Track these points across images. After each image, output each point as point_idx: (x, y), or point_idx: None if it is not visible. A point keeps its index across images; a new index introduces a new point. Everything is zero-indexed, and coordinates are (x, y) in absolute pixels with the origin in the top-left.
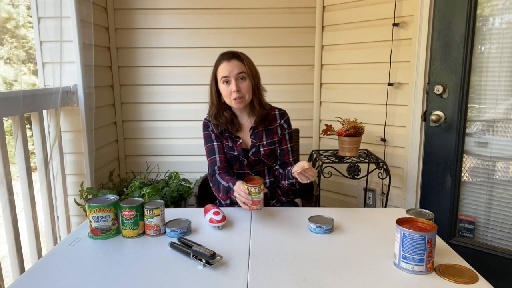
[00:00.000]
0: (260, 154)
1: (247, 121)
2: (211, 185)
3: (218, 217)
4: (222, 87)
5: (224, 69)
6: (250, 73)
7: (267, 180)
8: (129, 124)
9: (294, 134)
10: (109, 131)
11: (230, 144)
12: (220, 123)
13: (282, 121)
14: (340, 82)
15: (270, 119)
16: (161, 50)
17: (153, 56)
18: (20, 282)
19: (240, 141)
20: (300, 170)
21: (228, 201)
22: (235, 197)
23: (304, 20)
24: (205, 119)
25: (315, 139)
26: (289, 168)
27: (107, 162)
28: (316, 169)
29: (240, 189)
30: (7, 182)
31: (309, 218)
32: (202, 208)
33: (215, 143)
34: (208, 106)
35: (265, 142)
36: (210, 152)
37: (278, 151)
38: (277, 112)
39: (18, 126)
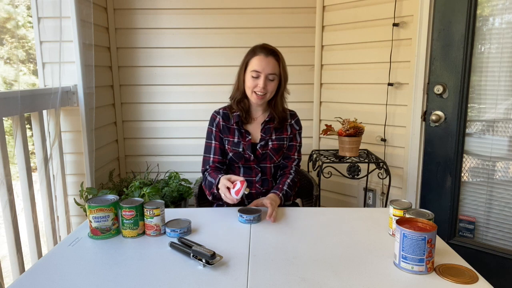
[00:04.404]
0: (268, 147)
1: (260, 116)
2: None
3: (237, 187)
4: (249, 79)
5: (258, 64)
6: (282, 76)
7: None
8: (129, 124)
9: None
10: (109, 131)
11: (236, 140)
12: (238, 109)
13: (293, 121)
14: (340, 82)
15: (284, 121)
16: (161, 50)
17: (153, 56)
18: (20, 282)
19: (250, 137)
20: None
21: (210, 197)
22: (217, 193)
23: (304, 20)
24: (215, 111)
25: (315, 139)
26: (282, 182)
27: (107, 162)
28: (316, 169)
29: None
30: (7, 182)
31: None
32: (202, 208)
33: (213, 141)
34: (233, 90)
35: (274, 137)
36: (206, 149)
37: (287, 147)
38: (288, 112)
39: (18, 126)
